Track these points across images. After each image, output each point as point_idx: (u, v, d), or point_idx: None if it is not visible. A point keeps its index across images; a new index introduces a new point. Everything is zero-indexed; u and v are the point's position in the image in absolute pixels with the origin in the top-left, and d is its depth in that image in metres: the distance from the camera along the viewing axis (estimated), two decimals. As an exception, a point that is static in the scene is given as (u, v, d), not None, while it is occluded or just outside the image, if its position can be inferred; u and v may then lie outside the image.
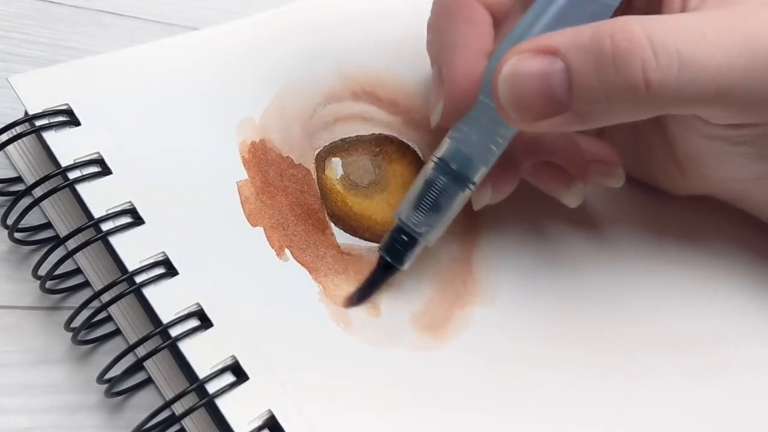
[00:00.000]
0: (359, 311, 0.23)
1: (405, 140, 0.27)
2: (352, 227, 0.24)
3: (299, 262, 0.23)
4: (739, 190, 0.28)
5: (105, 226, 0.21)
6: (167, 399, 0.20)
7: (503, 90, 0.20)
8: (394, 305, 0.23)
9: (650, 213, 0.29)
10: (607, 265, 0.27)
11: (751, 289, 0.28)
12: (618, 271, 0.27)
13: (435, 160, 0.23)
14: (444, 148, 0.23)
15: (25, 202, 0.21)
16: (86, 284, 0.23)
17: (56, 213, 0.23)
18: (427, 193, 0.22)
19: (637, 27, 0.19)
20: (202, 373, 0.19)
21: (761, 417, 0.25)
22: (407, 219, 0.23)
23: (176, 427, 0.21)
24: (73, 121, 0.22)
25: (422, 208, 0.22)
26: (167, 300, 0.20)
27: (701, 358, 0.26)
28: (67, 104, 0.22)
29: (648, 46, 0.19)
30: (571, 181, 0.25)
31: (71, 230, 0.21)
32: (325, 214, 0.24)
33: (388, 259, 0.23)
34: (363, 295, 0.23)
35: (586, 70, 0.20)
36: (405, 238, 0.23)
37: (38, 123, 0.22)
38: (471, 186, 0.23)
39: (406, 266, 0.23)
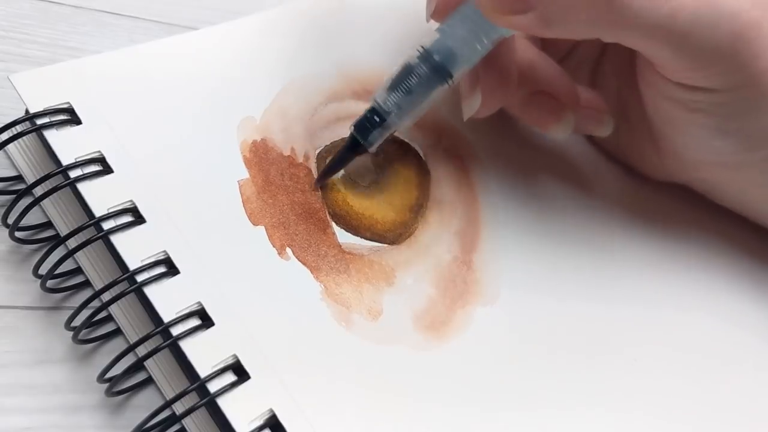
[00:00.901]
0: (360, 311, 0.23)
1: (406, 139, 0.27)
2: (353, 226, 0.24)
3: (300, 261, 0.23)
4: (711, 180, 0.28)
5: (106, 225, 0.21)
6: (168, 398, 0.20)
7: None
8: (396, 305, 0.23)
9: (652, 213, 0.29)
10: (609, 265, 0.27)
11: (749, 288, 0.28)
12: (620, 271, 0.27)
13: (419, 49, 0.23)
14: (430, 39, 0.23)
15: (26, 201, 0.21)
16: (87, 283, 0.23)
17: (57, 212, 0.23)
18: (405, 78, 0.23)
19: None
20: (203, 372, 0.19)
21: (761, 416, 0.25)
22: (380, 99, 0.23)
23: (177, 426, 0.21)
24: (74, 119, 0.22)
25: (396, 90, 0.23)
26: (168, 299, 0.20)
27: (702, 358, 0.26)
28: (68, 103, 0.22)
29: None
30: (561, 111, 0.26)
31: (72, 229, 0.21)
32: (327, 213, 0.24)
33: (357, 137, 0.24)
34: (329, 170, 0.24)
35: None
36: (375, 118, 0.23)
37: (39, 122, 0.22)
38: (450, 81, 0.23)
39: (373, 148, 0.24)
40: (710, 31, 0.21)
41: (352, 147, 0.24)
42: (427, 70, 0.23)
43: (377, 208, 0.25)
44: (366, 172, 0.26)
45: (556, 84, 0.26)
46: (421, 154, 0.27)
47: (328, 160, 0.25)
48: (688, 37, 0.21)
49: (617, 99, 0.29)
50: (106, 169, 0.22)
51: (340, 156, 0.24)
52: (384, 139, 0.24)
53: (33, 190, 0.22)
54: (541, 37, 0.27)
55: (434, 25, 0.24)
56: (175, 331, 0.20)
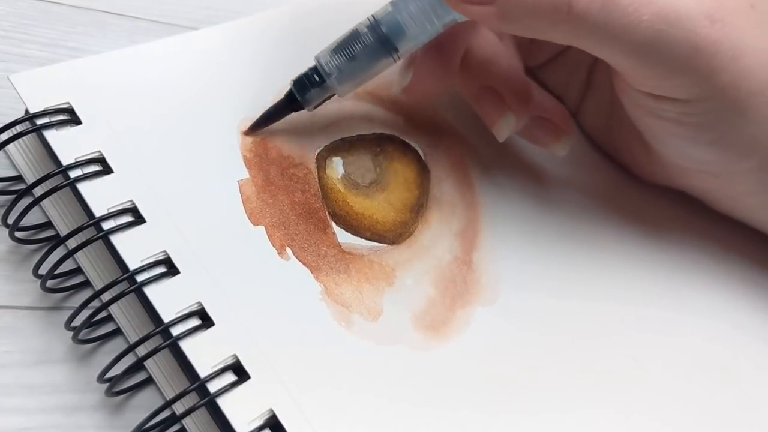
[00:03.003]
0: (360, 311, 0.23)
1: (406, 139, 0.27)
2: (353, 226, 0.24)
3: (300, 261, 0.23)
4: (701, 186, 0.28)
5: (106, 225, 0.21)
6: (168, 399, 0.20)
7: None
8: (395, 305, 0.23)
9: (652, 214, 0.29)
10: (609, 265, 0.27)
11: (746, 290, 0.28)
12: (619, 271, 0.27)
13: (370, 18, 0.23)
14: (382, 9, 0.23)
15: (26, 201, 0.21)
16: (87, 284, 0.23)
17: (57, 212, 0.23)
18: (350, 44, 0.23)
19: None
20: (203, 372, 0.19)
21: (759, 417, 0.25)
22: (323, 59, 0.23)
23: (177, 426, 0.21)
24: (74, 119, 0.22)
25: (340, 53, 0.23)
26: (168, 299, 0.20)
27: (701, 358, 0.26)
28: (68, 103, 0.22)
29: None
30: (503, 111, 0.26)
31: (72, 229, 0.21)
32: (326, 213, 0.24)
33: (295, 93, 0.24)
34: (261, 121, 0.24)
35: None
36: (315, 77, 0.23)
37: (39, 122, 0.22)
38: (395, 55, 0.23)
39: (309, 107, 0.24)
40: (667, 47, 0.21)
41: (288, 102, 0.24)
42: (373, 41, 0.23)
43: (377, 208, 0.25)
44: (366, 171, 0.26)
45: (508, 84, 0.26)
46: (421, 154, 0.27)
47: (264, 111, 0.24)
48: (645, 50, 0.21)
49: (610, 105, 0.29)
50: (106, 169, 0.22)
51: (275, 109, 0.24)
52: (322, 100, 0.24)
53: (33, 190, 0.22)
54: (499, 31, 0.27)
55: None
56: (175, 331, 0.20)
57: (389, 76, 0.27)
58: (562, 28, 0.21)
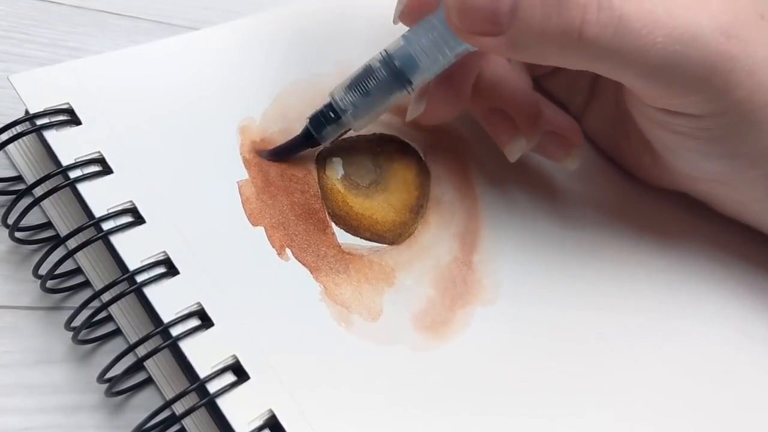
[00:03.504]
0: (359, 311, 0.23)
1: (406, 140, 0.27)
2: (353, 227, 0.24)
3: (300, 261, 0.23)
4: (708, 191, 0.28)
5: (106, 226, 0.21)
6: (167, 399, 0.20)
7: None
8: (395, 305, 0.23)
9: (653, 215, 0.29)
10: (609, 266, 0.27)
11: (748, 294, 0.28)
12: (620, 272, 0.27)
13: (382, 52, 0.23)
14: (394, 44, 0.23)
15: (26, 201, 0.21)
16: (87, 284, 0.23)
17: (57, 212, 0.23)
18: (364, 79, 0.23)
19: None
20: (202, 372, 0.19)
21: (759, 418, 0.25)
22: (337, 96, 0.24)
23: (176, 427, 0.21)
24: (73, 120, 0.22)
25: (354, 90, 0.23)
26: (168, 299, 0.20)
27: (701, 359, 0.26)
28: (67, 103, 0.22)
29: (596, 1, 0.20)
30: (514, 134, 0.26)
31: (72, 230, 0.21)
32: (326, 213, 0.24)
33: (311, 130, 0.24)
34: (276, 154, 0.25)
35: (533, 1, 0.20)
36: (331, 114, 0.24)
37: (39, 122, 0.22)
38: (409, 88, 0.23)
39: (326, 143, 0.24)
40: (682, 65, 0.21)
41: (305, 139, 0.24)
42: (387, 75, 0.23)
43: (377, 208, 0.25)
44: (366, 172, 0.26)
45: (518, 106, 0.26)
46: (421, 155, 0.27)
47: (280, 144, 0.25)
48: (661, 71, 0.21)
49: (615, 110, 0.29)
50: (106, 170, 0.22)
51: (291, 144, 0.25)
52: (338, 135, 0.24)
53: (33, 191, 0.22)
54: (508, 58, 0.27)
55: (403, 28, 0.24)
56: (175, 331, 0.20)
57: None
58: (573, 54, 0.21)
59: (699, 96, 0.22)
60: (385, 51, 0.23)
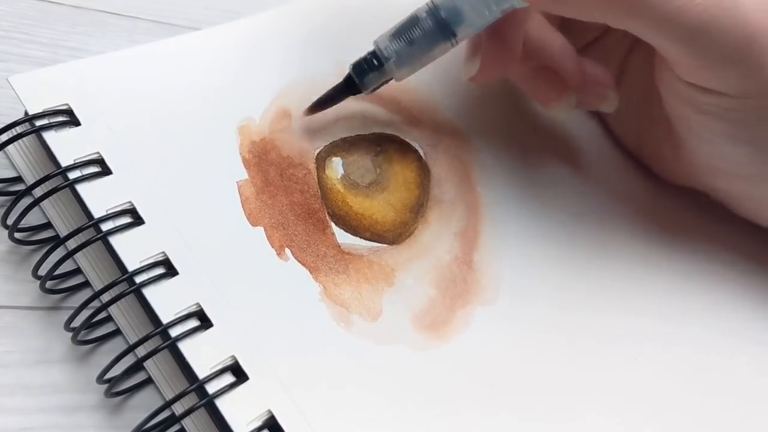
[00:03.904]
0: (359, 311, 0.23)
1: (406, 139, 0.27)
2: (352, 227, 0.24)
3: (300, 261, 0.23)
4: (728, 189, 0.28)
5: (105, 226, 0.21)
6: (167, 399, 0.20)
7: None
8: (395, 305, 0.23)
9: (655, 215, 0.29)
10: (610, 265, 0.27)
11: (750, 298, 0.28)
12: (621, 271, 0.27)
13: (429, 3, 0.24)
14: None
15: (25, 202, 0.21)
16: (86, 284, 0.23)
17: (56, 213, 0.23)
18: (409, 29, 0.24)
19: None
20: (202, 373, 0.19)
21: (758, 419, 0.25)
22: (381, 44, 0.24)
23: (176, 427, 0.21)
24: (73, 121, 0.22)
25: (399, 38, 0.24)
26: (167, 300, 0.20)
27: (702, 360, 0.26)
28: (67, 104, 0.22)
29: None
30: (563, 90, 0.27)
31: (71, 230, 0.21)
32: (326, 213, 0.24)
33: (353, 77, 0.24)
34: (319, 104, 0.25)
35: None
36: (374, 62, 0.24)
37: (38, 123, 0.22)
38: (453, 40, 0.24)
39: (367, 91, 0.24)
40: (720, 34, 0.21)
41: (347, 86, 0.25)
42: (432, 25, 0.23)
43: (377, 208, 0.25)
44: (366, 172, 0.26)
45: (563, 63, 0.26)
46: (421, 154, 0.27)
47: (321, 95, 0.25)
48: (698, 36, 0.21)
49: (642, 95, 0.29)
50: (105, 171, 0.22)
51: (334, 92, 0.25)
52: (379, 84, 0.24)
53: (32, 191, 0.22)
54: (551, 13, 0.27)
55: None
56: (174, 332, 0.20)
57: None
58: (614, 9, 0.21)
59: (733, 71, 0.22)
60: (432, 1, 0.24)
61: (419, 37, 0.24)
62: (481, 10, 0.23)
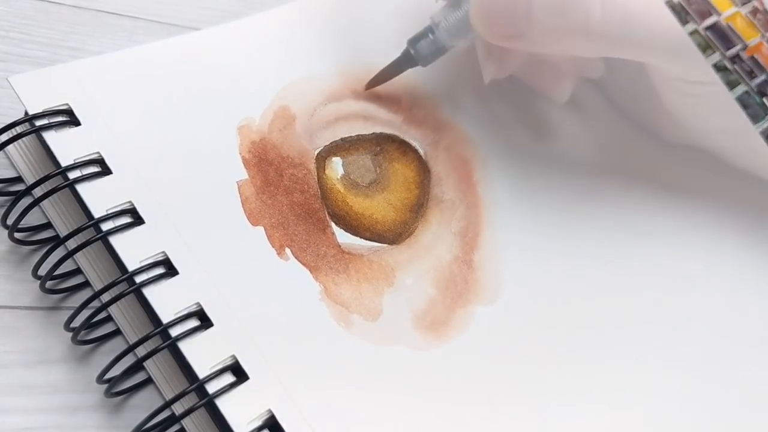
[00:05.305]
0: (359, 311, 0.23)
1: (406, 139, 0.27)
2: (352, 227, 0.24)
3: (300, 261, 0.23)
4: (722, 144, 0.29)
5: (105, 226, 0.21)
6: (167, 399, 0.20)
7: (475, 3, 0.24)
8: (395, 305, 0.23)
9: (656, 215, 0.29)
10: (610, 264, 0.27)
11: (754, 288, 0.28)
12: (621, 271, 0.27)
13: None
14: None
15: (25, 202, 0.21)
16: (86, 284, 0.23)
17: (56, 213, 0.23)
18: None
19: None
20: (202, 373, 0.19)
21: (760, 416, 0.25)
22: (436, 17, 0.25)
23: (176, 427, 0.21)
24: (73, 121, 0.22)
25: (448, 6, 0.25)
26: (167, 300, 0.20)
27: (704, 360, 0.26)
28: (67, 104, 0.22)
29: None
30: (561, 79, 0.28)
31: (71, 230, 0.21)
32: (326, 213, 0.24)
33: (411, 51, 0.25)
34: (378, 79, 0.27)
35: (545, 4, 0.22)
36: (429, 35, 0.25)
37: (38, 123, 0.22)
38: None
39: (424, 62, 0.26)
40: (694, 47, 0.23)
41: (404, 58, 0.26)
42: None
43: (377, 207, 0.25)
44: (366, 171, 0.26)
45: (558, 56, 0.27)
46: (422, 153, 0.27)
47: (381, 70, 0.26)
48: (676, 51, 0.23)
49: (637, 69, 0.29)
50: (105, 171, 0.22)
51: (392, 67, 0.26)
52: (434, 54, 0.25)
53: (32, 191, 0.22)
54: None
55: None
56: (174, 331, 0.20)
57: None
58: (589, 47, 0.23)
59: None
60: None
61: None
62: None
